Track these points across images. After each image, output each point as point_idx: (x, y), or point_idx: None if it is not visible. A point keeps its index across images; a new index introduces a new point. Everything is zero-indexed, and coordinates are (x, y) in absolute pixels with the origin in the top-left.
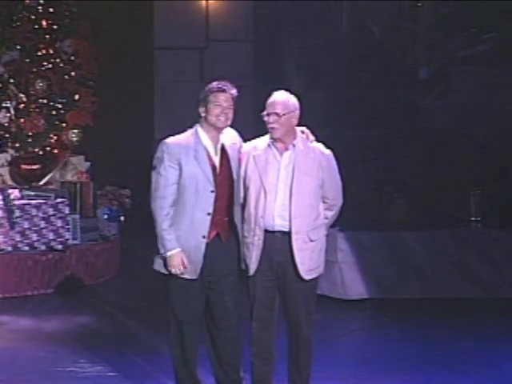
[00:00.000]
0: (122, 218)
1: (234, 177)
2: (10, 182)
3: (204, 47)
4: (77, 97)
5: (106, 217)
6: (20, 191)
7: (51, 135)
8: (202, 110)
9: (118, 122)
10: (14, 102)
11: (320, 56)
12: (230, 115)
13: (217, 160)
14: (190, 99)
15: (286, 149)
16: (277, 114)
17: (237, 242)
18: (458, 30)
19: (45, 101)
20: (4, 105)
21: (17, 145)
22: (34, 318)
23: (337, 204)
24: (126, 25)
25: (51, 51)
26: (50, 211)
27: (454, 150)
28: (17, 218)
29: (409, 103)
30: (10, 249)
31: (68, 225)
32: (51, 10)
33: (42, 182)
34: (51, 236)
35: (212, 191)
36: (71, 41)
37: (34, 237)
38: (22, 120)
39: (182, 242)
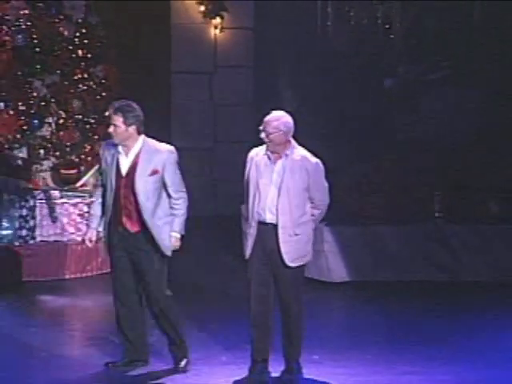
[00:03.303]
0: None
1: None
2: (51, 185)
3: (212, 72)
4: (107, 113)
5: None
6: (60, 192)
7: (85, 145)
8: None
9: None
10: (54, 118)
11: (309, 78)
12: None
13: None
14: (200, 116)
15: (280, 157)
16: (268, 133)
17: None
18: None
19: (80, 117)
20: (46, 120)
21: (57, 153)
22: (70, 297)
23: (322, 204)
24: (147, 52)
25: (85, 75)
26: (85, 209)
27: (420, 157)
28: (57, 214)
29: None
30: (51, 239)
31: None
32: (86, 41)
33: (77, 185)
34: (85, 229)
35: None
36: (102, 67)
37: (72, 230)
38: (61, 133)
39: None
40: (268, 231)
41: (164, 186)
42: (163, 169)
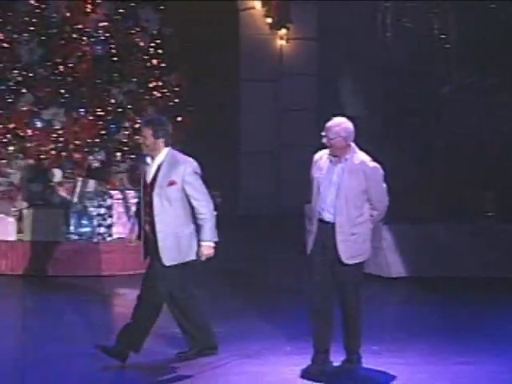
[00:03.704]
0: (215, 213)
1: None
2: (127, 185)
3: (278, 79)
4: (179, 119)
5: None
6: (135, 192)
7: None
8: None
9: (211, 138)
10: (130, 123)
11: (369, 84)
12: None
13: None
14: (267, 121)
15: (340, 161)
16: (329, 138)
17: None
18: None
19: None
20: (123, 125)
21: (132, 156)
22: None
23: (381, 205)
24: (218, 61)
25: (160, 83)
26: None
27: (472, 158)
28: (132, 213)
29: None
30: (127, 236)
31: None
32: (160, 51)
33: None
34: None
35: None
36: (175, 75)
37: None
38: (136, 137)
39: None
40: (327, 229)
41: (186, 196)
42: (182, 181)
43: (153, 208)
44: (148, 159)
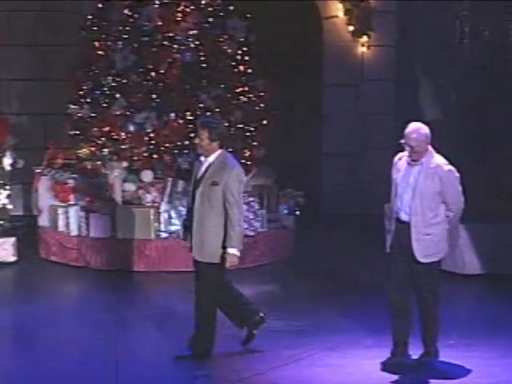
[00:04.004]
0: (297, 213)
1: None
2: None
3: (359, 85)
4: (264, 122)
5: (285, 211)
6: None
7: (245, 151)
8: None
9: (294, 140)
10: None
11: (446, 89)
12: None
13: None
14: (348, 124)
15: (418, 164)
16: (411, 147)
17: None
18: None
19: (241, 125)
20: None
21: None
22: None
23: (456, 207)
24: (301, 67)
25: (246, 88)
26: (245, 207)
27: None
28: None
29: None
30: None
31: (258, 217)
32: (246, 58)
33: None
34: (245, 225)
35: None
36: (261, 81)
37: None
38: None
39: None
40: (403, 229)
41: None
42: (225, 184)
43: (194, 204)
44: (202, 158)
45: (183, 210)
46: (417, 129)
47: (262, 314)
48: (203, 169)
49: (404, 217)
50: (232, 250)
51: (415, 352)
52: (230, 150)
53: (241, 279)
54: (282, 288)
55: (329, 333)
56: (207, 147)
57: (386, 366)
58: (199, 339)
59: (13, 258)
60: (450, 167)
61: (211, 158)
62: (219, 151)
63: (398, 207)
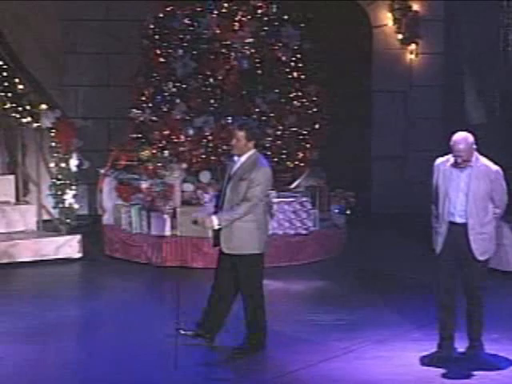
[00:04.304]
0: (348, 212)
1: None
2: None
3: (407, 90)
4: (317, 126)
5: (336, 211)
6: (276, 193)
7: (298, 153)
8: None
9: (345, 143)
10: (273, 130)
11: (491, 95)
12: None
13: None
14: (396, 128)
15: (466, 168)
16: (460, 156)
17: None
18: None
19: (295, 129)
20: (266, 132)
21: (275, 160)
22: (284, 282)
23: (502, 203)
24: (352, 73)
25: (300, 94)
26: (298, 207)
27: None
28: (274, 211)
29: None
30: (269, 232)
31: (310, 216)
32: (300, 64)
33: (292, 186)
34: (298, 224)
35: None
36: (314, 86)
37: (287, 224)
38: (278, 142)
39: None
40: (459, 230)
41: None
42: (250, 181)
43: (225, 199)
44: (235, 158)
45: None
46: (464, 138)
47: (208, 337)
48: (236, 167)
49: (459, 220)
50: (215, 219)
51: (461, 345)
52: (284, 152)
53: (294, 275)
54: (332, 284)
55: (377, 326)
56: (243, 148)
57: (433, 360)
58: (253, 332)
59: (78, 255)
60: (497, 167)
61: (244, 158)
62: (252, 151)
63: (451, 211)
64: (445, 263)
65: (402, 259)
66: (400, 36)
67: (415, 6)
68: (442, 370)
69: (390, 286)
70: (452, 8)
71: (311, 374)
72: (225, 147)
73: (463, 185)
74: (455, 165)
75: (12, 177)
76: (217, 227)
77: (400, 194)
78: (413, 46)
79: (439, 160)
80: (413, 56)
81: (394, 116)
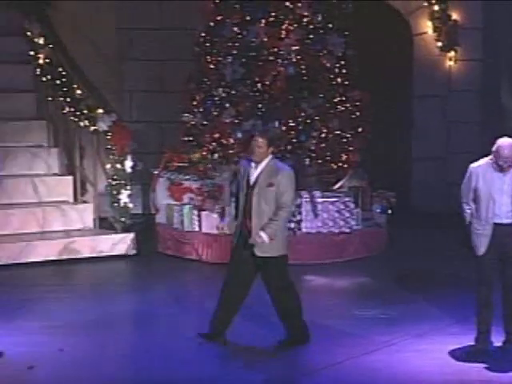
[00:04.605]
0: (389, 212)
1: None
2: (314, 186)
3: (447, 95)
4: (360, 129)
5: (378, 211)
6: (321, 193)
7: (342, 155)
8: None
9: (387, 145)
10: (318, 133)
11: None
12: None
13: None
14: (436, 132)
15: (509, 172)
16: (507, 163)
17: None
18: None
19: (338, 132)
20: (311, 135)
21: (319, 161)
22: (328, 278)
23: None
24: (393, 79)
25: (343, 99)
26: (341, 206)
27: None
28: (319, 210)
29: None
30: (314, 231)
31: (353, 215)
32: (344, 71)
33: (336, 187)
34: (341, 223)
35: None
36: (357, 92)
37: (331, 223)
38: (322, 145)
39: None
40: (505, 231)
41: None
42: (278, 185)
43: (251, 204)
44: (252, 164)
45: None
46: (507, 145)
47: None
48: (256, 173)
49: (506, 221)
50: (264, 234)
51: (498, 339)
52: (328, 154)
53: (337, 271)
54: (374, 280)
55: (418, 321)
56: (264, 154)
57: (470, 353)
58: (295, 327)
59: (133, 252)
60: None
61: (263, 164)
62: (270, 157)
63: (496, 213)
64: (489, 262)
65: (441, 257)
66: (440, 43)
67: (454, 15)
68: (478, 364)
69: (430, 282)
70: (490, 17)
71: (355, 366)
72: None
73: (506, 187)
74: (499, 169)
75: (70, 178)
76: (268, 241)
77: (440, 195)
78: (452, 53)
79: (476, 164)
80: (452, 62)
81: (433, 119)
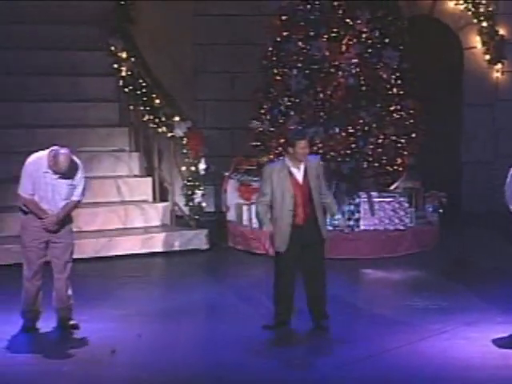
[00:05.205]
0: (441, 211)
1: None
2: (371, 187)
3: (494, 104)
4: (413, 135)
5: (430, 210)
6: (378, 193)
7: (397, 159)
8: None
9: (438, 150)
10: (375, 139)
11: None
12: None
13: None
14: (484, 137)
15: None
16: None
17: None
18: None
19: (394, 138)
20: (369, 140)
21: (376, 165)
22: (384, 271)
23: None
24: (446, 89)
25: (398, 107)
26: (396, 206)
27: None
28: (375, 209)
29: None
30: (371, 228)
31: (407, 214)
32: (399, 81)
33: (391, 188)
34: (396, 221)
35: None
36: (411, 101)
37: (387, 221)
38: (379, 150)
39: None
40: None
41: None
42: (321, 173)
43: (311, 197)
44: (290, 166)
45: (346, 207)
46: None
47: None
48: (301, 171)
49: None
50: (340, 216)
51: None
52: (384, 158)
53: (393, 265)
54: (427, 273)
55: (466, 311)
56: (306, 154)
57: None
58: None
59: (206, 246)
60: None
61: (304, 163)
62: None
63: None
64: None
65: (489, 252)
66: (488, 57)
67: (501, 31)
68: None
69: (478, 275)
70: None
71: (409, 351)
72: (333, 153)
73: None
74: None
75: (149, 179)
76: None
77: (488, 196)
78: (499, 66)
79: None
80: (499, 74)
81: (482, 126)
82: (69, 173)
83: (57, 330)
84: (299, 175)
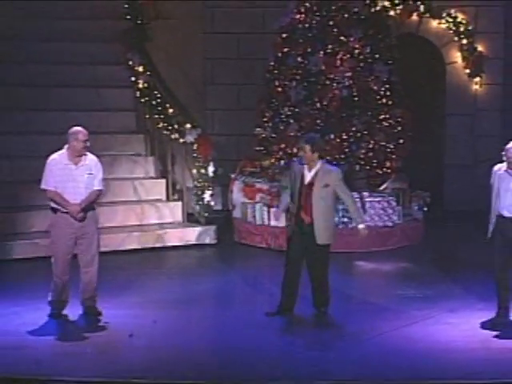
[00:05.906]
0: (425, 209)
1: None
2: (364, 188)
3: (473, 114)
4: (401, 141)
5: (416, 208)
6: (369, 193)
7: (385, 163)
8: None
9: (423, 154)
10: (366, 144)
11: None
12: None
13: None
14: (464, 143)
15: None
16: (507, 157)
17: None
18: None
19: (383, 143)
20: (361, 146)
21: (367, 168)
22: (375, 263)
23: None
24: (430, 100)
25: (387, 116)
26: (385, 204)
27: None
28: (367, 207)
29: None
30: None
31: (395, 212)
32: (388, 93)
33: (381, 188)
34: (386, 218)
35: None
36: (399, 110)
37: (377, 218)
38: (370, 154)
39: None
40: (505, 223)
41: (335, 194)
42: (333, 184)
43: (308, 201)
44: (305, 166)
45: (341, 206)
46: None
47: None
48: (311, 175)
49: (506, 214)
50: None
51: None
52: (375, 161)
53: (383, 258)
54: (414, 265)
55: (449, 299)
56: (309, 158)
57: (491, 324)
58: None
59: (214, 241)
60: None
61: (315, 169)
62: (319, 162)
63: (501, 206)
64: (498, 248)
65: (469, 246)
66: (467, 71)
67: (480, 47)
68: (496, 333)
69: (460, 266)
70: (510, 49)
71: (398, 335)
72: (328, 158)
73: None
74: (508, 170)
75: (163, 180)
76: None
77: (468, 196)
78: (478, 79)
79: (496, 166)
80: (477, 86)
81: (462, 133)
82: (88, 161)
83: (82, 316)
84: (308, 177)
